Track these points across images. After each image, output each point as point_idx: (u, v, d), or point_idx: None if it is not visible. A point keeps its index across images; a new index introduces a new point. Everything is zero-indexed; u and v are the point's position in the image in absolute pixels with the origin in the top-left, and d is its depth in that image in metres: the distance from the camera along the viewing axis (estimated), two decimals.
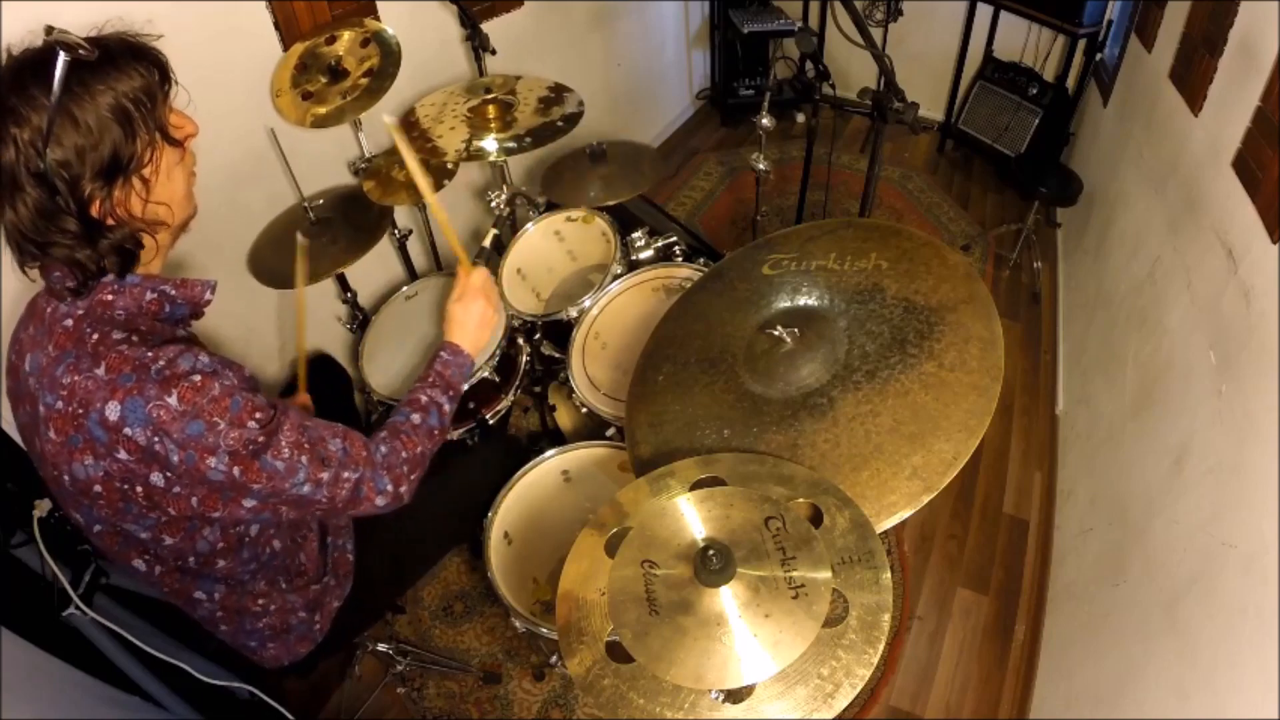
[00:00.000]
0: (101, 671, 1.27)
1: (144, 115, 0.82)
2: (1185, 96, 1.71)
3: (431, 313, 1.81)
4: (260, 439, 0.87)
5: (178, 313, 0.95)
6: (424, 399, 1.17)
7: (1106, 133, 2.59)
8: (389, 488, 1.03)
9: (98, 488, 0.85)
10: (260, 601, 1.10)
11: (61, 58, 0.74)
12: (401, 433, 1.09)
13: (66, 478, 0.86)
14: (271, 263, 1.69)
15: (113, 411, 0.80)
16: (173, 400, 0.81)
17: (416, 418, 1.13)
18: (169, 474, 0.84)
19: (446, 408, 1.19)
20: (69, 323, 0.85)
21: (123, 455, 0.82)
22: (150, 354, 0.82)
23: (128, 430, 0.80)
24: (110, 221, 0.84)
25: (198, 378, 0.83)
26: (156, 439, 0.81)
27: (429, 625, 1.83)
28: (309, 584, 1.17)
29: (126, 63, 0.81)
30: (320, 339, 2.04)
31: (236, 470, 0.85)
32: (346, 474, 0.97)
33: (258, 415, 0.87)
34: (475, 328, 1.30)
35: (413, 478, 1.08)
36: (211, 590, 1.04)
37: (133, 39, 0.85)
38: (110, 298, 0.87)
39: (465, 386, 1.26)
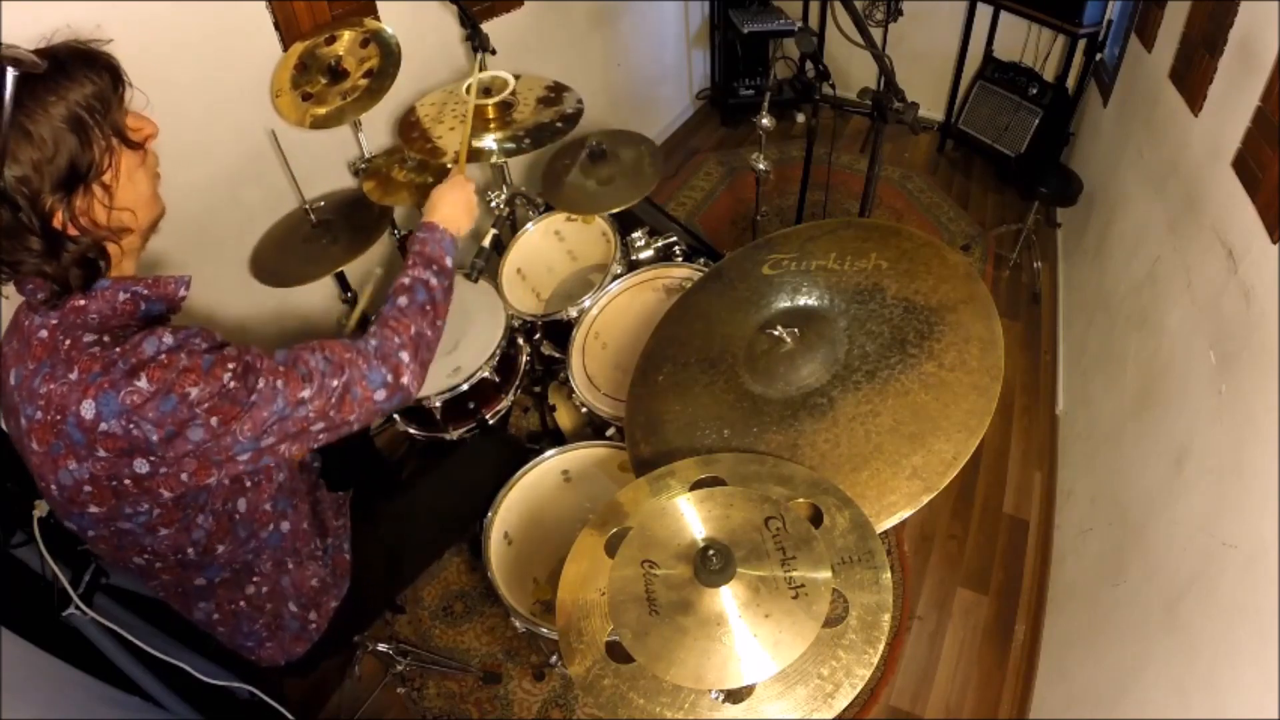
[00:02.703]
0: (101, 671, 1.27)
1: (99, 121, 0.82)
2: (1185, 96, 1.71)
3: None
4: (233, 385, 0.86)
5: (154, 310, 0.94)
6: (407, 280, 1.12)
7: (1106, 133, 2.59)
8: (387, 378, 1.00)
9: (87, 488, 0.85)
10: (261, 588, 1.09)
11: (10, 73, 0.73)
12: (390, 320, 1.05)
13: (54, 488, 0.86)
14: (272, 263, 1.69)
15: (88, 410, 0.80)
16: (142, 383, 0.81)
17: (403, 300, 1.09)
18: (152, 457, 0.84)
19: (434, 282, 1.13)
20: (44, 334, 0.85)
21: (102, 453, 0.82)
22: (118, 350, 0.83)
23: (104, 426, 0.80)
24: (72, 232, 0.83)
25: (164, 356, 0.83)
26: (133, 425, 0.81)
27: (429, 625, 1.83)
28: (313, 570, 1.16)
29: (76, 70, 0.80)
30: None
31: (214, 420, 0.85)
32: (334, 383, 0.95)
33: (230, 365, 0.87)
34: (453, 205, 1.25)
35: (413, 365, 1.03)
36: (214, 579, 1.04)
37: (82, 46, 0.84)
38: (83, 303, 0.87)
39: (451, 262, 1.19)
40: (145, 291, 0.92)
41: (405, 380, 1.02)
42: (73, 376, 0.81)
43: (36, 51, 0.78)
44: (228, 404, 0.86)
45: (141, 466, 0.84)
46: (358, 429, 1.09)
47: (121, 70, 0.86)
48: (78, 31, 0.86)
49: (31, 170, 0.77)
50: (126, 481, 0.85)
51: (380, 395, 1.00)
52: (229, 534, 1.00)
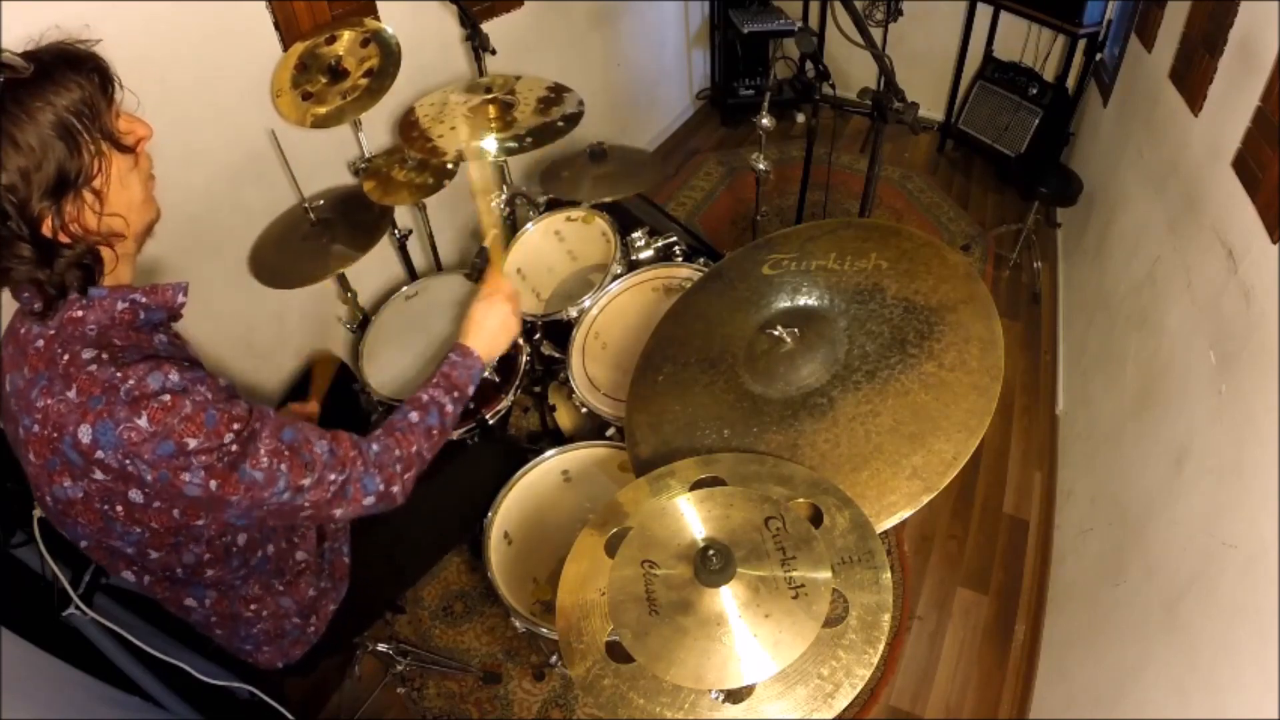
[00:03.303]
0: (101, 671, 1.27)
1: (87, 127, 0.80)
2: (1185, 96, 1.71)
3: (431, 313, 1.81)
4: (235, 449, 0.85)
5: (153, 319, 0.93)
6: (425, 398, 1.15)
7: (1106, 133, 2.59)
8: (380, 487, 1.01)
9: (79, 507, 0.85)
10: (253, 607, 1.10)
11: None
12: (397, 430, 1.08)
13: (49, 499, 0.86)
14: (272, 262, 1.69)
15: (85, 435, 0.79)
16: (143, 422, 0.79)
17: (415, 416, 1.12)
18: (146, 491, 0.83)
19: (449, 408, 1.17)
20: (40, 344, 0.84)
21: (99, 476, 0.81)
22: (119, 374, 0.80)
23: (100, 453, 0.79)
24: (63, 239, 0.81)
25: (167, 397, 0.81)
26: (128, 461, 0.80)
27: (429, 625, 1.83)
28: (307, 583, 1.16)
29: (63, 75, 0.78)
30: (320, 340, 2.04)
31: (213, 484, 0.84)
32: (332, 476, 0.95)
33: (235, 427, 0.86)
34: (493, 332, 1.28)
35: (406, 477, 1.05)
36: (203, 597, 1.04)
37: (69, 48, 0.81)
38: (80, 314, 0.85)
39: (472, 389, 1.24)
40: (144, 300, 0.91)
41: (395, 490, 1.04)
42: (71, 395, 0.80)
43: (23, 54, 0.77)
44: (225, 466, 0.85)
45: (136, 496, 0.83)
46: (337, 524, 1.17)
47: (111, 72, 0.84)
48: (67, 32, 0.84)
49: (19, 178, 0.76)
50: (119, 508, 0.84)
51: (369, 501, 1.01)
52: (221, 561, 1.00)
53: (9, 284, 0.83)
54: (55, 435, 0.80)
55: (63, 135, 0.78)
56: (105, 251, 0.86)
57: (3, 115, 0.74)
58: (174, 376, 0.83)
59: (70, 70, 0.79)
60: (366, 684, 1.73)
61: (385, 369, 1.70)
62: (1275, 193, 1.15)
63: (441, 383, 1.18)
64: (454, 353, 1.24)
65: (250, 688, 1.28)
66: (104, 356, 0.82)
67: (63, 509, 0.86)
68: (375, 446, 1.03)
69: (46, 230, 0.80)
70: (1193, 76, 1.68)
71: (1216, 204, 1.41)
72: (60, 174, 0.78)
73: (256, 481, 0.87)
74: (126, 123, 0.86)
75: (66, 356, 0.82)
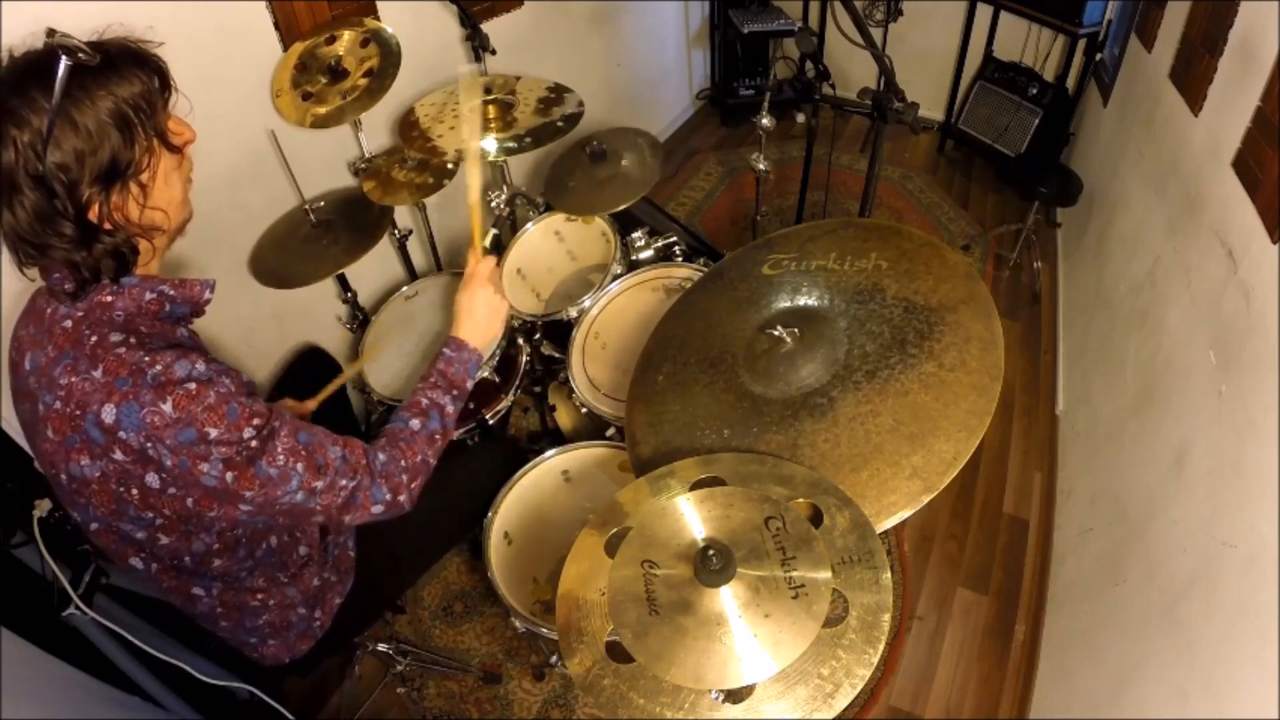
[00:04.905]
0: (101, 671, 1.27)
1: (143, 121, 0.83)
2: (1185, 96, 1.71)
3: (431, 312, 1.81)
4: (254, 444, 0.87)
5: (178, 312, 0.95)
6: (424, 401, 1.15)
7: (1106, 133, 2.59)
8: (387, 496, 1.02)
9: (94, 487, 0.86)
10: (259, 597, 1.10)
11: (63, 61, 0.75)
12: (400, 440, 1.08)
13: (64, 476, 0.87)
14: (272, 263, 1.69)
15: (108, 414, 0.81)
16: (167, 407, 0.81)
17: (416, 423, 1.12)
18: (163, 476, 0.84)
19: (449, 408, 1.17)
20: (68, 324, 0.86)
21: (119, 456, 0.83)
22: (147, 358, 0.83)
23: (122, 434, 0.81)
24: (107, 226, 0.84)
25: (193, 385, 0.83)
26: (149, 444, 0.82)
27: (429, 625, 1.83)
28: (311, 574, 1.17)
29: (128, 68, 0.82)
30: (319, 340, 2.04)
31: (229, 476, 0.86)
32: (343, 482, 0.97)
33: (255, 422, 0.87)
34: (484, 318, 1.28)
35: (413, 486, 1.07)
36: (209, 587, 1.05)
37: (134, 45, 0.86)
38: (109, 299, 0.88)
39: (471, 384, 1.24)
40: (172, 292, 0.93)
41: (402, 499, 1.05)
42: (96, 375, 0.82)
43: (89, 44, 0.80)
44: (244, 461, 0.86)
45: (152, 481, 0.85)
46: (347, 527, 1.19)
47: (169, 74, 0.88)
48: (131, 30, 0.88)
49: (73, 159, 0.79)
50: (134, 490, 0.85)
51: (377, 509, 1.03)
52: (229, 552, 1.01)
53: (45, 261, 0.85)
54: (78, 413, 0.82)
55: (120, 125, 0.81)
56: (142, 244, 0.89)
57: (65, 97, 0.77)
58: (200, 366, 0.85)
59: (135, 65, 0.83)
60: (366, 684, 1.73)
61: (385, 369, 1.70)
62: (1275, 193, 1.15)
63: (439, 382, 1.18)
64: (448, 347, 1.24)
65: (250, 688, 1.28)
66: (132, 341, 0.85)
67: (77, 488, 0.87)
68: (382, 456, 1.04)
69: (93, 216, 0.83)
70: (1193, 76, 1.68)
71: (1216, 204, 1.41)
72: (113, 162, 0.81)
73: (271, 479, 0.89)
74: (176, 124, 0.90)
75: (94, 338, 0.84)
